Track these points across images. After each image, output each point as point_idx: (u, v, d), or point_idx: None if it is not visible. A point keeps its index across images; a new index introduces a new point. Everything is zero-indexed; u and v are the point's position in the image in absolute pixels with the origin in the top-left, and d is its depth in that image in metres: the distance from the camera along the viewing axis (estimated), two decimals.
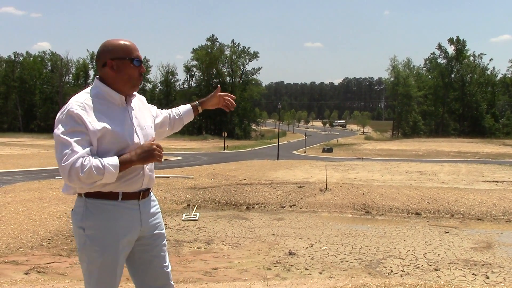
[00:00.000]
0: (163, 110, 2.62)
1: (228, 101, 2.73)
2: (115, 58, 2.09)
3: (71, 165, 1.89)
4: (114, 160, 1.97)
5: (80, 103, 2.01)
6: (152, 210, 2.27)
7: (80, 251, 2.11)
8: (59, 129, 1.96)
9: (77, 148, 1.91)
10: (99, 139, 2.00)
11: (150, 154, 2.07)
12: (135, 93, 2.26)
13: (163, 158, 2.27)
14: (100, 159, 1.95)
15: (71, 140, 1.93)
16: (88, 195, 2.07)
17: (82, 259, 2.10)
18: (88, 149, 1.94)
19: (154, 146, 2.08)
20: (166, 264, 2.30)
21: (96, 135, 1.98)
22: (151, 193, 2.30)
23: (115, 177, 1.99)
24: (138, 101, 2.31)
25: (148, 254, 2.23)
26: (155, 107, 2.51)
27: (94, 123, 1.98)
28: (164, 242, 2.31)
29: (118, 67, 2.10)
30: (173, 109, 2.67)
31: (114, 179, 2.00)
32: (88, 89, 2.12)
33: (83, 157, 1.91)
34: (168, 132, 2.63)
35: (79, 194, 2.10)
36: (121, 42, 2.14)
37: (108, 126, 2.01)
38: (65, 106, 2.02)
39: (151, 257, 2.24)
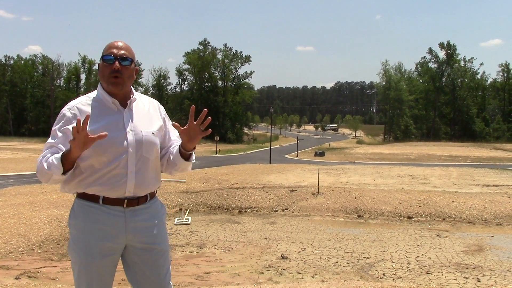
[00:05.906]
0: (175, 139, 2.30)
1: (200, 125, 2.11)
2: (100, 60, 2.15)
3: (37, 164, 2.03)
4: (58, 155, 1.97)
5: (72, 106, 2.10)
6: (147, 221, 2.18)
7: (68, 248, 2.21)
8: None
9: (47, 149, 2.04)
10: None
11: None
12: (137, 96, 2.22)
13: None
14: (53, 156, 1.98)
15: (50, 141, 2.06)
16: (77, 195, 2.14)
17: (69, 256, 2.20)
18: (55, 148, 2.02)
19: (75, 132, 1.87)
20: (162, 277, 2.22)
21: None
22: (151, 203, 2.22)
23: (60, 170, 1.95)
24: (144, 105, 2.24)
25: (143, 265, 2.18)
26: (170, 123, 2.29)
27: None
28: (162, 254, 2.22)
29: (99, 67, 2.16)
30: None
31: (60, 173, 1.96)
32: (91, 93, 2.18)
33: (43, 157, 2.01)
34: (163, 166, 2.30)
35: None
36: (108, 43, 2.16)
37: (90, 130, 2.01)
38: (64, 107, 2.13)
39: (145, 268, 2.19)
